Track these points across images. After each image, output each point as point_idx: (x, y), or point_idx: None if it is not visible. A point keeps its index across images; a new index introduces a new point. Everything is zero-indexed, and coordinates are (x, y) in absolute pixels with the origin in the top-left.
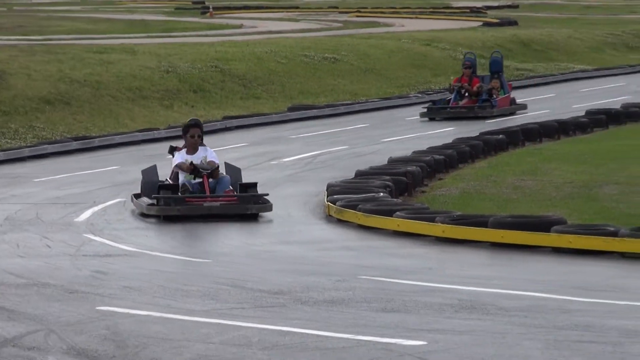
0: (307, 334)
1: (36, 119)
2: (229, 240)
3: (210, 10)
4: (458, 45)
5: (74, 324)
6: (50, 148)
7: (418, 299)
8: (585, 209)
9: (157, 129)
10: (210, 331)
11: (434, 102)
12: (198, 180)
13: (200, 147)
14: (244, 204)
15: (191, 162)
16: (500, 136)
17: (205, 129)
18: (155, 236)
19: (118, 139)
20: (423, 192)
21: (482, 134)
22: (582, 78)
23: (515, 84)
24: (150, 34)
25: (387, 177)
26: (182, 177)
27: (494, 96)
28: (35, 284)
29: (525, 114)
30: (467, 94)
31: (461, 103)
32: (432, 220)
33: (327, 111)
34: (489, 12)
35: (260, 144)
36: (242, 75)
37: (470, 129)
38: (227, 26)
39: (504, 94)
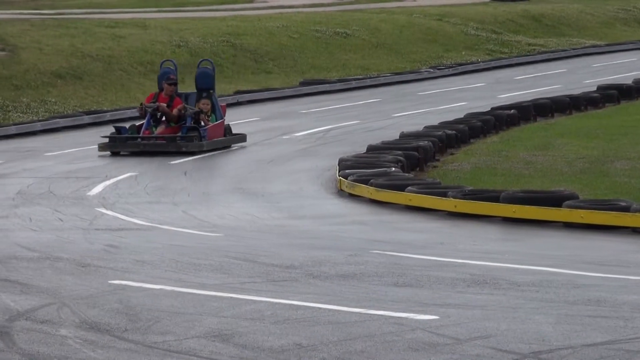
0: (319, 308)
1: (48, 93)
2: (241, 214)
3: None
4: (470, 20)
5: (86, 298)
6: (62, 122)
7: (430, 273)
8: (597, 184)
9: None
10: (223, 305)
11: (118, 129)
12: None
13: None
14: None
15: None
16: (512, 111)
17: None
18: (166, 210)
19: (129, 113)
20: (435, 166)
21: (493, 108)
22: (593, 53)
23: (527, 59)
24: (161, 9)
25: (399, 152)
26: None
27: (203, 123)
28: (47, 257)
29: (249, 145)
30: (164, 119)
31: (157, 131)
32: (444, 195)
33: (339, 86)
34: None
35: (272, 118)
36: (254, 50)
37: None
38: (239, 0)
39: (216, 119)
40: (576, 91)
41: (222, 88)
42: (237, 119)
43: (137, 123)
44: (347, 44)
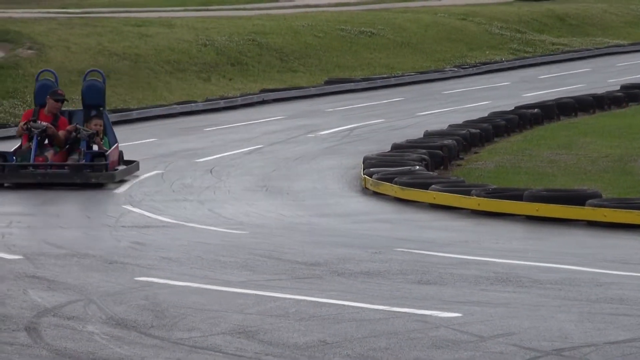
0: (344, 305)
1: (75, 92)
2: (266, 212)
3: None
4: (494, 19)
5: (113, 294)
6: None
7: (453, 271)
8: (620, 182)
9: (195, 102)
10: (248, 302)
11: (3, 155)
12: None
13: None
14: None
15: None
16: (536, 110)
17: (243, 102)
18: (192, 208)
19: (156, 111)
20: (459, 165)
21: (517, 107)
22: (617, 53)
23: (551, 58)
24: (187, 8)
25: (423, 151)
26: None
27: (97, 147)
28: (74, 254)
29: (275, 143)
30: (47, 142)
31: (51, 158)
32: (467, 193)
33: (364, 85)
34: None
35: (298, 117)
36: (279, 49)
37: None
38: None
39: (109, 143)
40: (600, 90)
41: (248, 87)
42: (262, 118)
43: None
44: (372, 43)
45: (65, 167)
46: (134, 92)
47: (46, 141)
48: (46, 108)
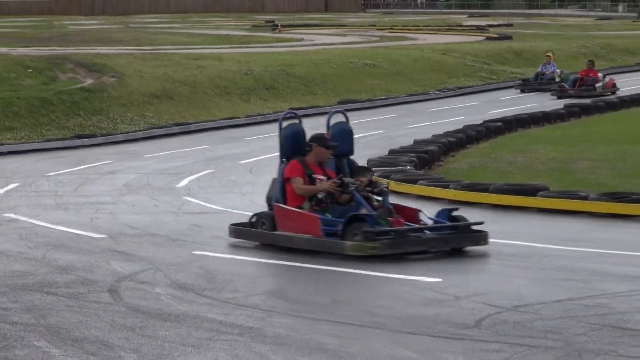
0: (351, 272)
1: (147, 110)
2: None
3: (279, 27)
4: (467, 54)
5: (175, 265)
6: (158, 132)
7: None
8: (563, 179)
9: (238, 117)
10: (278, 270)
11: (363, 219)
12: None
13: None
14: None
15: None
16: (499, 123)
17: (275, 118)
18: (236, 198)
19: (209, 125)
20: (440, 165)
21: (485, 121)
22: None
23: (510, 84)
24: (232, 45)
25: (413, 154)
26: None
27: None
28: (146, 234)
29: None
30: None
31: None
32: (446, 187)
33: (367, 104)
34: (490, 29)
35: (317, 128)
36: (303, 77)
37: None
38: (292, 39)
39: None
40: (548, 109)
41: (279, 106)
42: None
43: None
44: (374, 73)
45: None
46: (191, 110)
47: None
48: (312, 157)
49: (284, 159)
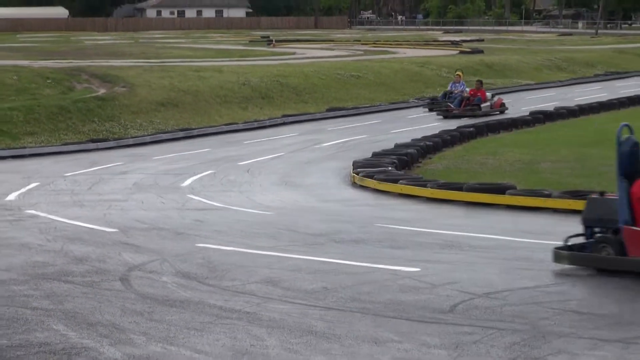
0: (339, 262)
1: (155, 116)
2: (286, 199)
3: (274, 42)
4: (442, 66)
5: (180, 255)
6: (164, 136)
7: (415, 239)
8: (529, 178)
9: (236, 123)
10: (272, 261)
11: None
12: None
13: None
14: None
15: None
16: (472, 129)
17: (269, 124)
18: (235, 196)
19: (210, 130)
20: (418, 167)
21: (458, 127)
22: (527, 89)
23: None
24: (231, 58)
25: (394, 157)
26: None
27: None
28: (154, 228)
29: (292, 152)
30: None
31: None
32: (424, 185)
33: (353, 111)
34: (463, 44)
35: (308, 133)
36: (295, 87)
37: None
38: (285, 53)
39: None
40: (515, 115)
41: (273, 113)
42: (283, 134)
43: None
44: (359, 83)
45: None
46: (194, 117)
47: None
48: None
49: (624, 178)
